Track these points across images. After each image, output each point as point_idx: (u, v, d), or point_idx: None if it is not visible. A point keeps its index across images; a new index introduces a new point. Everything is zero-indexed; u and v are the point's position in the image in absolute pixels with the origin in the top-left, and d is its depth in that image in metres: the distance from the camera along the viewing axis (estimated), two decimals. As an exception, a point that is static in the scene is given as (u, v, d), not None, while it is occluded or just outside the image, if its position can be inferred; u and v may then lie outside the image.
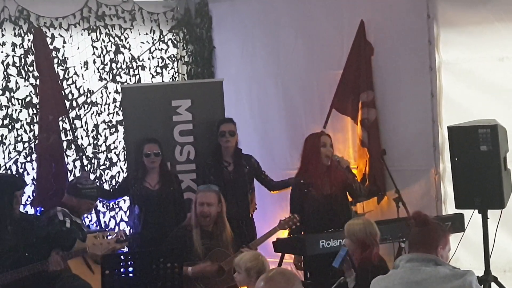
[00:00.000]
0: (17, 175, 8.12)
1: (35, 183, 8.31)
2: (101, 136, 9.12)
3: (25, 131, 8.46)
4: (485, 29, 7.89)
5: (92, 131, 9.05)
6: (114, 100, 9.24)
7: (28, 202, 8.22)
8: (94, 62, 9.12)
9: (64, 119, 8.60)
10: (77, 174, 8.60)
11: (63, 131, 8.63)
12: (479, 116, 7.34)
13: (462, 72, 8.08)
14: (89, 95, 9.04)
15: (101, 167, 9.08)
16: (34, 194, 8.20)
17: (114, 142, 9.21)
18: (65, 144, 8.68)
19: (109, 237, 6.84)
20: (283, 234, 8.06)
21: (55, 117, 8.34)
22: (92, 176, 8.81)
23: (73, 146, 8.73)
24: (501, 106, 7.75)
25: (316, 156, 7.91)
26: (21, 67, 8.44)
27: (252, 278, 5.60)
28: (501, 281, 7.19)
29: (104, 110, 9.18)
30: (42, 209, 8.03)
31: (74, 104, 8.90)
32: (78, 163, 8.77)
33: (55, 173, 8.22)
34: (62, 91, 8.67)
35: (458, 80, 8.11)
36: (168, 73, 9.86)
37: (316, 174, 7.89)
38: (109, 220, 9.04)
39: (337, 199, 7.86)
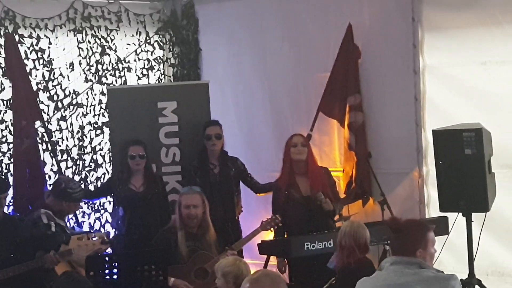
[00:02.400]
0: (1, 178, 8.07)
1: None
2: (86, 137, 9.11)
3: (10, 132, 8.42)
4: (469, 33, 7.92)
5: (78, 132, 9.04)
6: (100, 102, 9.24)
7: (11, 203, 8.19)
8: (80, 64, 9.12)
9: (46, 121, 8.56)
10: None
11: (45, 132, 8.60)
12: (462, 120, 7.36)
13: (445, 76, 8.11)
14: (74, 97, 9.03)
15: (87, 169, 9.08)
16: (11, 199, 8.16)
17: (99, 144, 9.21)
18: (49, 146, 8.65)
19: (93, 239, 6.82)
20: (268, 236, 8.07)
21: (29, 122, 8.28)
22: (77, 178, 8.79)
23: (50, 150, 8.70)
24: (484, 110, 7.78)
25: (287, 157, 7.92)
26: (6, 68, 8.40)
27: (229, 284, 5.61)
28: (485, 284, 7.21)
29: (90, 112, 9.18)
30: (17, 214, 8.00)
31: (60, 105, 8.88)
32: (61, 165, 8.74)
33: (29, 178, 8.18)
34: (45, 93, 8.66)
35: (442, 84, 8.14)
36: (154, 75, 9.87)
37: (289, 175, 7.89)
38: (94, 221, 9.03)
39: (315, 202, 7.84)
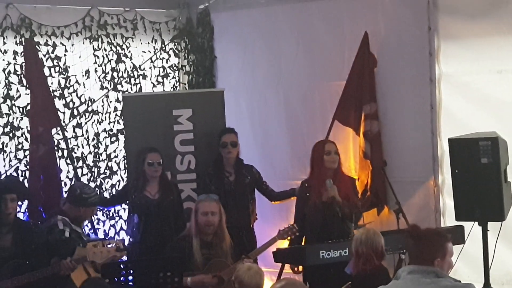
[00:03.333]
0: (8, 179, 8.09)
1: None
2: (101, 144, 9.12)
3: (25, 139, 8.45)
4: (485, 42, 7.90)
5: (93, 139, 9.06)
6: (115, 109, 9.26)
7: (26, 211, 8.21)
8: (96, 71, 9.13)
9: (58, 131, 8.59)
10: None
11: (63, 139, 8.63)
12: (477, 129, 7.36)
13: (461, 84, 8.10)
14: (90, 104, 9.05)
15: (102, 176, 9.09)
16: (27, 206, 8.18)
17: (114, 151, 9.22)
18: (65, 153, 8.68)
19: (109, 246, 6.83)
20: (283, 244, 8.07)
21: (46, 128, 8.31)
22: (92, 185, 8.81)
23: (66, 156, 8.72)
24: (500, 118, 7.76)
25: (319, 163, 7.92)
26: (22, 75, 8.44)
27: None
28: (500, 294, 7.20)
29: (105, 119, 9.19)
30: (31, 220, 8.02)
31: (75, 112, 8.91)
32: (72, 174, 8.76)
33: (43, 185, 8.20)
34: (61, 100, 8.68)
35: (457, 93, 8.13)
36: (169, 82, 9.89)
37: (318, 181, 7.89)
38: (109, 228, 9.04)
39: (334, 209, 7.83)
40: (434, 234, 4.69)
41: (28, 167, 8.37)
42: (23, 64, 8.40)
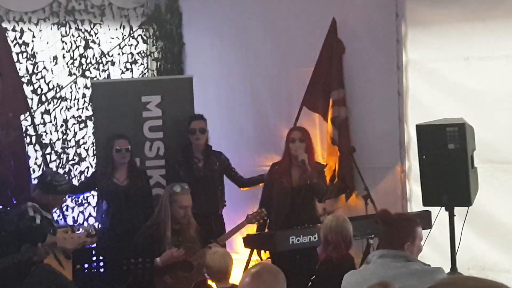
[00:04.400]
0: None
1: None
2: (70, 131, 9.11)
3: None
4: (452, 29, 7.96)
5: (61, 126, 9.03)
6: (84, 95, 9.23)
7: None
8: (64, 57, 9.10)
9: (26, 117, 8.54)
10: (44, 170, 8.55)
11: (32, 125, 8.59)
12: (444, 115, 7.41)
13: (428, 71, 8.15)
14: (58, 90, 9.02)
15: (70, 162, 9.08)
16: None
17: (83, 137, 9.21)
18: (33, 139, 8.65)
19: (79, 232, 6.83)
20: (252, 230, 8.10)
21: (15, 114, 8.27)
22: (61, 171, 8.78)
23: (34, 143, 8.68)
24: (467, 105, 7.81)
25: (287, 149, 7.96)
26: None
27: (205, 274, 5.69)
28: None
29: (74, 105, 9.17)
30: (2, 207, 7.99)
31: (43, 98, 8.87)
32: (40, 161, 8.72)
33: (14, 171, 8.17)
34: (29, 86, 8.64)
35: (425, 79, 8.18)
36: (138, 69, 9.87)
37: (287, 167, 7.93)
38: (78, 215, 9.04)
39: (302, 195, 7.88)
40: (404, 219, 4.76)
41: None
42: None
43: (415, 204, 8.10)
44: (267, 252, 7.83)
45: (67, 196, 8.07)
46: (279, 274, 4.06)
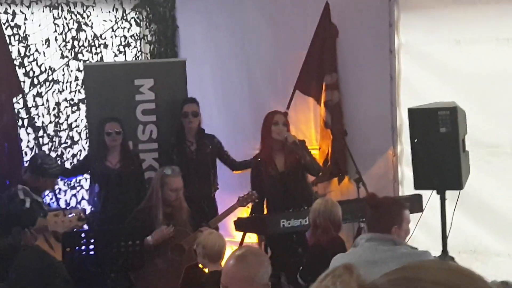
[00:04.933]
0: None
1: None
2: (62, 114, 9.08)
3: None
4: (444, 12, 7.94)
5: (54, 109, 9.01)
6: (76, 78, 9.20)
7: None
8: (56, 40, 9.07)
9: (18, 99, 8.52)
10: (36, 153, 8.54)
11: (24, 108, 8.58)
12: (436, 99, 7.40)
13: (420, 54, 8.14)
14: (50, 73, 8.99)
15: (63, 145, 9.06)
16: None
17: (76, 120, 9.19)
18: (26, 122, 8.64)
19: (70, 216, 6.82)
20: (245, 213, 8.11)
21: (8, 97, 8.26)
22: (53, 154, 8.78)
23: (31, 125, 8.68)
24: (459, 89, 7.82)
25: (267, 134, 7.94)
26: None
27: (200, 254, 5.69)
28: (458, 261, 7.28)
29: (66, 88, 9.14)
30: None
31: (35, 81, 8.85)
32: (35, 142, 8.71)
33: (7, 153, 8.16)
34: (21, 69, 8.60)
35: (417, 63, 8.18)
36: (131, 52, 9.84)
37: (267, 152, 7.92)
38: (70, 198, 9.03)
39: (294, 178, 7.87)
40: (391, 203, 4.76)
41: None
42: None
43: (407, 188, 8.10)
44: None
45: (59, 179, 8.07)
46: (263, 256, 4.07)
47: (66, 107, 9.13)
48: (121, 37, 9.71)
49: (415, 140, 7.20)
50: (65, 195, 8.97)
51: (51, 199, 8.60)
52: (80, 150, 9.17)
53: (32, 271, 6.32)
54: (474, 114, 7.39)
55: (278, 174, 7.85)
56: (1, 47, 8.28)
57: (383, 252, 4.45)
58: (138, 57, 9.87)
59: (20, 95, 8.53)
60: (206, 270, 6.09)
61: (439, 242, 7.26)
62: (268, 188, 7.91)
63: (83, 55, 9.31)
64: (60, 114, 9.06)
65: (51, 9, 9.00)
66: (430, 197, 7.35)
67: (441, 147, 7.04)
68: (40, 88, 8.90)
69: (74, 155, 9.14)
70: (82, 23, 9.28)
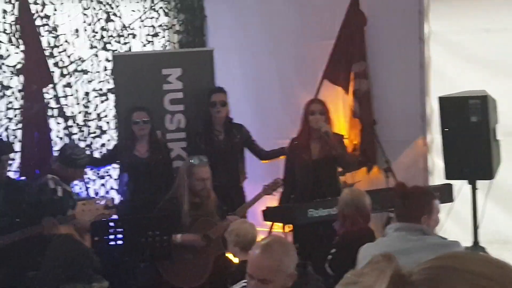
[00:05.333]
0: (4, 140, 8.09)
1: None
2: (91, 104, 9.11)
3: (15, 98, 8.44)
4: (473, 0, 7.87)
5: (83, 99, 9.04)
6: (105, 68, 9.23)
7: (18, 169, 8.20)
8: (85, 30, 9.10)
9: (48, 90, 8.55)
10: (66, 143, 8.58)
11: (54, 98, 8.61)
12: (466, 87, 7.34)
13: (450, 43, 8.07)
14: (79, 63, 9.02)
15: (91, 135, 9.09)
16: (19, 163, 8.16)
17: (104, 110, 9.21)
18: (55, 112, 8.67)
19: (98, 204, 6.84)
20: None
21: (39, 87, 8.28)
22: (82, 144, 8.80)
23: (60, 115, 8.71)
24: (489, 77, 7.74)
25: (305, 122, 7.91)
26: (11, 34, 8.40)
27: (232, 242, 5.67)
28: (489, 252, 7.22)
29: (95, 78, 9.17)
30: (23, 178, 8.03)
31: (65, 71, 8.88)
32: (66, 132, 8.75)
33: (38, 142, 8.19)
34: (51, 59, 8.63)
35: (446, 51, 8.11)
36: (159, 41, 9.83)
37: (304, 138, 7.89)
38: (99, 187, 9.06)
39: (325, 167, 7.83)
40: (420, 192, 4.72)
41: (20, 125, 8.36)
42: (18, 22, 8.34)
43: (437, 177, 8.04)
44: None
45: (88, 169, 8.09)
46: (289, 246, 4.05)
47: (95, 97, 9.16)
48: (149, 27, 9.71)
49: (446, 129, 7.15)
50: (94, 185, 9.01)
51: (80, 188, 8.63)
52: (109, 140, 9.20)
53: (65, 259, 6.35)
54: (505, 103, 7.32)
55: (311, 161, 7.81)
56: (33, 38, 8.32)
57: (412, 242, 4.41)
58: (166, 46, 9.87)
59: (50, 85, 8.55)
60: (235, 260, 6.06)
61: (470, 233, 7.22)
62: (299, 175, 7.88)
63: (112, 45, 9.33)
64: (89, 104, 9.09)
65: (80, 0, 9.02)
66: (461, 187, 7.29)
67: (471, 136, 6.99)
68: (69, 78, 8.93)
69: (103, 145, 9.17)
70: (110, 14, 9.30)
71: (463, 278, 1.45)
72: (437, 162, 8.05)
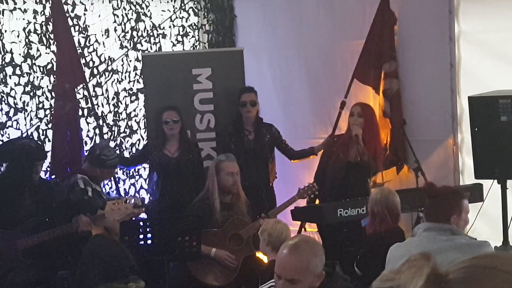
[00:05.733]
0: (39, 145, 8.11)
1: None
2: (121, 103, 9.17)
3: (46, 98, 8.51)
4: (503, 0, 7.82)
5: (113, 98, 9.10)
6: (135, 68, 9.28)
7: (48, 169, 8.26)
8: (115, 30, 9.15)
9: (83, 87, 8.59)
10: (96, 142, 8.63)
11: (83, 98, 8.66)
12: (496, 87, 7.30)
13: (480, 42, 8.01)
14: (110, 63, 9.07)
15: (122, 135, 9.14)
16: (50, 163, 8.21)
17: (134, 110, 9.27)
18: (85, 111, 8.72)
19: (127, 203, 6.87)
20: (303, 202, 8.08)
21: (71, 86, 8.32)
22: (112, 144, 8.85)
23: (92, 114, 8.76)
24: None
25: (348, 124, 8.00)
26: (42, 35, 8.47)
27: (264, 241, 5.66)
28: (519, 251, 7.19)
29: (125, 78, 9.22)
30: (54, 177, 8.07)
31: (95, 71, 8.93)
32: (96, 131, 8.80)
33: (69, 141, 8.22)
34: (81, 59, 8.66)
35: (477, 51, 8.05)
36: (189, 41, 9.88)
37: (342, 141, 7.94)
38: (129, 187, 9.11)
39: (357, 170, 7.83)
40: (449, 192, 4.70)
41: (50, 125, 8.42)
42: (49, 21, 8.39)
43: (467, 177, 8.00)
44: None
45: (117, 169, 8.12)
46: (317, 246, 4.04)
47: (125, 96, 9.21)
48: (179, 26, 9.75)
49: (476, 129, 7.11)
50: (124, 184, 9.05)
51: (110, 188, 8.67)
52: (139, 140, 9.25)
53: (103, 259, 6.37)
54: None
55: (346, 161, 7.81)
56: (65, 37, 8.35)
57: (441, 242, 4.39)
58: (196, 46, 9.90)
59: (82, 85, 8.59)
60: (265, 259, 6.06)
61: (500, 232, 7.16)
62: (331, 173, 7.88)
63: (142, 45, 9.38)
64: (119, 103, 9.14)
65: (110, 0, 9.07)
66: (491, 187, 7.25)
67: (502, 136, 6.95)
68: (99, 78, 8.98)
69: (132, 145, 9.22)
70: (141, 14, 9.35)
71: (500, 277, 1.45)
72: (467, 162, 8.01)
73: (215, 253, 7.12)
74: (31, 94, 8.45)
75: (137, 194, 9.01)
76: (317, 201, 7.93)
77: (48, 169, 8.20)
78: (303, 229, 8.37)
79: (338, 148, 7.93)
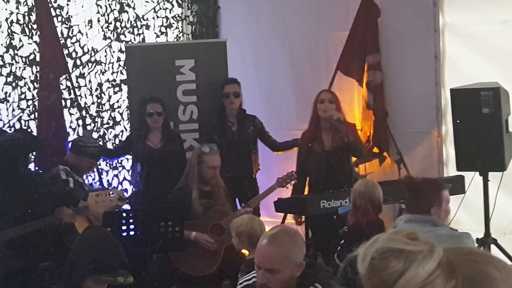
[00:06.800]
0: (30, 136, 8.05)
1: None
2: (104, 94, 9.14)
3: (28, 88, 8.48)
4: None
5: (96, 89, 9.07)
6: (118, 59, 9.25)
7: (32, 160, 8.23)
8: (98, 21, 9.12)
9: (66, 77, 8.57)
10: (80, 133, 8.61)
11: (66, 89, 8.63)
12: (481, 79, 7.32)
13: (465, 34, 8.04)
14: (93, 54, 9.04)
15: (105, 126, 9.12)
16: (34, 153, 8.18)
17: (117, 101, 9.24)
18: (68, 102, 8.69)
19: (111, 195, 6.85)
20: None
21: (56, 76, 8.29)
22: (95, 135, 8.83)
23: (75, 105, 8.73)
24: (503, 69, 7.71)
25: (314, 111, 7.87)
26: (24, 25, 8.43)
27: (244, 243, 5.66)
28: (501, 243, 7.21)
29: (108, 69, 9.19)
30: (37, 168, 8.04)
31: (78, 62, 8.90)
32: (80, 122, 8.77)
33: (55, 132, 8.20)
34: (64, 50, 8.63)
35: (461, 43, 8.07)
36: (173, 32, 9.86)
37: (314, 129, 7.86)
38: (112, 178, 9.09)
39: (338, 157, 7.81)
40: (428, 184, 4.71)
41: (33, 116, 8.38)
42: (33, 11, 8.35)
43: (452, 169, 8.00)
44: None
45: (99, 160, 8.08)
46: (297, 236, 4.05)
47: (108, 88, 9.18)
48: (163, 18, 9.73)
49: (458, 121, 7.13)
50: (107, 175, 9.02)
51: (93, 179, 8.65)
52: (122, 131, 9.23)
53: (95, 251, 6.34)
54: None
55: (324, 152, 7.78)
56: (48, 27, 8.31)
57: (422, 233, 4.32)
58: (179, 38, 9.88)
59: (65, 75, 8.55)
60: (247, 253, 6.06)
61: (482, 224, 7.18)
62: (312, 166, 7.86)
63: (125, 36, 9.35)
64: (103, 94, 9.12)
65: (94, -10, 9.05)
66: (473, 179, 7.27)
67: (483, 128, 6.97)
68: (82, 69, 8.95)
69: (116, 136, 9.19)
70: (124, 4, 9.32)
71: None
72: (451, 153, 8.01)
73: (195, 236, 7.12)
74: (13, 84, 8.41)
75: (120, 185, 8.99)
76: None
77: (33, 160, 8.17)
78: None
79: (312, 142, 7.83)
